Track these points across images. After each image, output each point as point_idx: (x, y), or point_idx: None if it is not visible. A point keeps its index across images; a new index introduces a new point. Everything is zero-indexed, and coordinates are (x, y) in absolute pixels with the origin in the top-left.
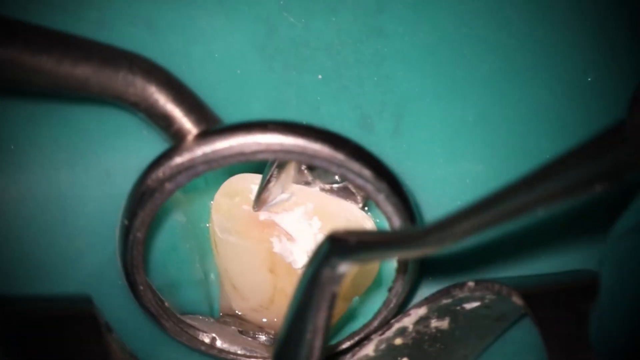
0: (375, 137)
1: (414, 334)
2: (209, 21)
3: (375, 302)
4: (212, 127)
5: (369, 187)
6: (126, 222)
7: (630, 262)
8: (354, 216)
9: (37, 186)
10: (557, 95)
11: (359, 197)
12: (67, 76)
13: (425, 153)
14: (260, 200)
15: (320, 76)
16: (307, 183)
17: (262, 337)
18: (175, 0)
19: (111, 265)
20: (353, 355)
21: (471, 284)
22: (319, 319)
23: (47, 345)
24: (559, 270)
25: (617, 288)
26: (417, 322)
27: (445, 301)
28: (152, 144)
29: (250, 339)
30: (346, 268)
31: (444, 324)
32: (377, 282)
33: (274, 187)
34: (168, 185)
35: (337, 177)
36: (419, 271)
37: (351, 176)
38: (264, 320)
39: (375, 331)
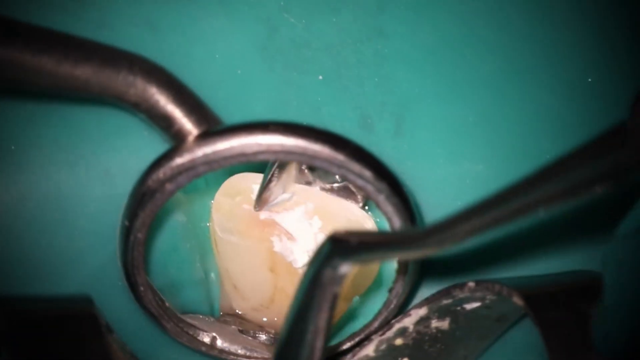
0: (375, 137)
1: (414, 335)
2: (210, 22)
3: (376, 303)
4: (212, 128)
5: (370, 188)
6: (127, 222)
7: (632, 263)
8: (354, 216)
9: (38, 186)
10: (557, 95)
11: (359, 197)
12: (67, 76)
13: (426, 153)
14: (261, 200)
15: (320, 77)
16: (308, 183)
17: (263, 337)
18: (177, 1)
19: (112, 266)
20: (353, 356)
21: (472, 284)
22: (320, 320)
23: (48, 345)
24: (560, 270)
25: (618, 288)
26: (418, 323)
27: (445, 301)
28: (153, 145)
29: (250, 338)
30: (347, 269)
31: (445, 324)
32: (377, 283)
33: (275, 187)
34: (169, 186)
35: (337, 177)
36: (420, 272)
37: (351, 177)
38: (265, 319)
39: (375, 331)
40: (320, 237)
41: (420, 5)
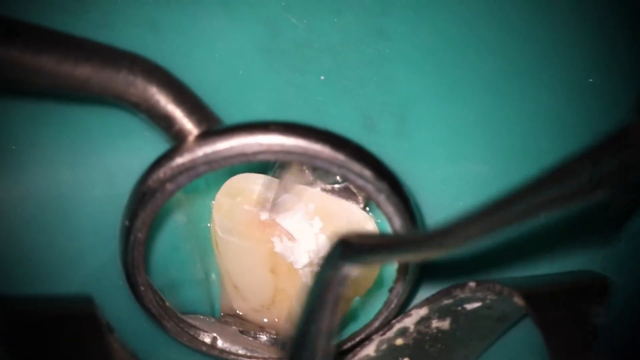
0: (377, 137)
1: (415, 335)
2: (211, 22)
3: (376, 303)
4: (213, 128)
5: (370, 188)
6: (127, 222)
7: (633, 263)
8: (355, 216)
9: (38, 186)
10: (557, 95)
11: (360, 198)
12: (67, 76)
13: (427, 153)
14: (265, 202)
15: (322, 77)
16: (309, 183)
17: (263, 337)
18: (178, 1)
19: (112, 266)
20: (354, 356)
21: (472, 284)
22: (328, 321)
23: (48, 345)
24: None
25: (620, 289)
26: (418, 323)
27: (446, 301)
28: (154, 145)
29: (251, 339)
30: (354, 270)
31: (445, 324)
32: (378, 283)
33: (284, 189)
34: (169, 186)
35: (338, 178)
36: (420, 271)
37: (352, 177)
38: (265, 320)
39: (376, 331)
40: (321, 238)
41: (421, 5)
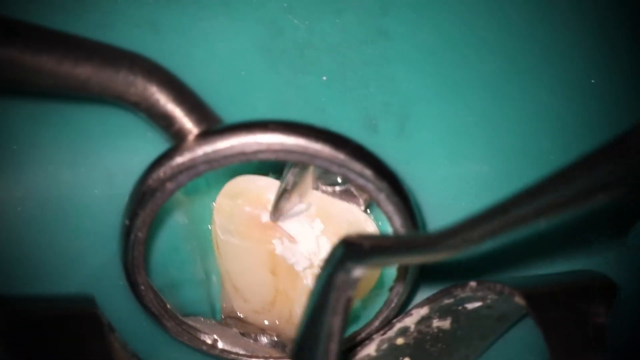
0: (379, 138)
1: (415, 334)
2: (212, 23)
3: (377, 302)
4: (213, 127)
5: (370, 187)
6: (127, 222)
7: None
8: (356, 218)
9: (39, 186)
10: (557, 95)
11: (361, 200)
12: (67, 76)
13: (429, 154)
14: (277, 210)
15: (324, 78)
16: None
17: (264, 340)
18: (179, 2)
19: (113, 266)
20: (355, 355)
21: (473, 284)
22: (335, 323)
23: (49, 345)
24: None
25: (625, 290)
26: (419, 322)
27: (447, 301)
28: (155, 145)
29: (252, 341)
30: (361, 272)
31: (446, 323)
32: (378, 282)
33: (291, 196)
34: (169, 185)
35: (339, 179)
36: (420, 271)
37: (352, 176)
38: (266, 322)
39: (376, 331)
40: (322, 240)
41: (421, 5)
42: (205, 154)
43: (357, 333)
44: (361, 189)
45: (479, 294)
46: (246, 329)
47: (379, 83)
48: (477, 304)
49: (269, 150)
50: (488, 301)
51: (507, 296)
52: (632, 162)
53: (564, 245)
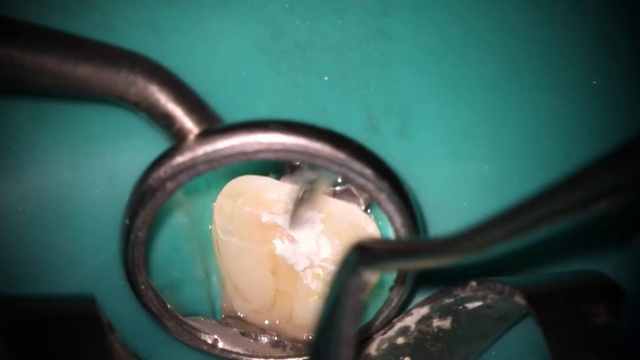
0: (381, 138)
1: (416, 334)
2: (213, 23)
3: (377, 302)
4: (213, 127)
5: (370, 186)
6: (127, 221)
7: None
8: (356, 219)
9: (41, 186)
10: (558, 95)
11: (361, 200)
12: (68, 76)
13: (430, 154)
14: (295, 218)
15: (326, 78)
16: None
17: (264, 339)
18: (180, 2)
19: (113, 266)
20: (355, 355)
21: (473, 283)
22: (348, 328)
23: (50, 344)
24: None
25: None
26: (419, 322)
27: (447, 301)
28: (156, 145)
29: (252, 340)
30: (373, 277)
31: (446, 323)
32: (378, 282)
33: (305, 204)
34: (169, 185)
35: (339, 180)
36: (421, 271)
37: (352, 175)
38: (266, 322)
39: (377, 330)
40: (322, 240)
41: (423, 7)
42: (206, 154)
43: (358, 332)
44: (361, 188)
45: (480, 293)
46: (246, 328)
47: (380, 83)
48: (478, 304)
49: (270, 149)
50: (488, 301)
51: (507, 296)
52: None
53: (566, 246)
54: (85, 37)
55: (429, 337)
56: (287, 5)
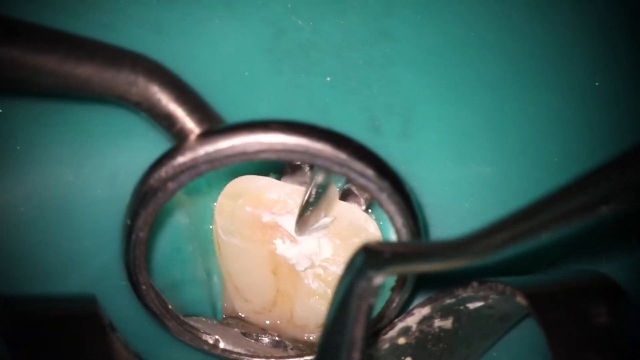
0: (382, 139)
1: (417, 334)
2: (215, 24)
3: (378, 302)
4: (214, 127)
5: (372, 187)
6: (129, 221)
7: None
8: (357, 218)
9: (42, 186)
10: (560, 96)
11: (362, 200)
12: (68, 76)
13: (432, 155)
14: (301, 223)
15: (328, 78)
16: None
17: (265, 340)
18: (181, 2)
19: (114, 266)
20: None
21: (475, 283)
22: (357, 331)
23: (51, 344)
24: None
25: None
26: (421, 322)
27: (448, 301)
28: (157, 145)
29: (253, 341)
30: (381, 280)
31: (448, 323)
32: None
33: (315, 209)
34: (171, 185)
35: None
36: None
37: (353, 175)
38: (267, 322)
39: (379, 331)
40: (323, 240)
41: (425, 7)
42: (207, 154)
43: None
44: (363, 188)
45: (481, 293)
46: (247, 329)
47: (382, 84)
48: (479, 304)
49: (271, 149)
50: (490, 301)
51: (508, 296)
52: None
53: (566, 246)
54: (86, 37)
55: (430, 337)
56: (289, 6)
